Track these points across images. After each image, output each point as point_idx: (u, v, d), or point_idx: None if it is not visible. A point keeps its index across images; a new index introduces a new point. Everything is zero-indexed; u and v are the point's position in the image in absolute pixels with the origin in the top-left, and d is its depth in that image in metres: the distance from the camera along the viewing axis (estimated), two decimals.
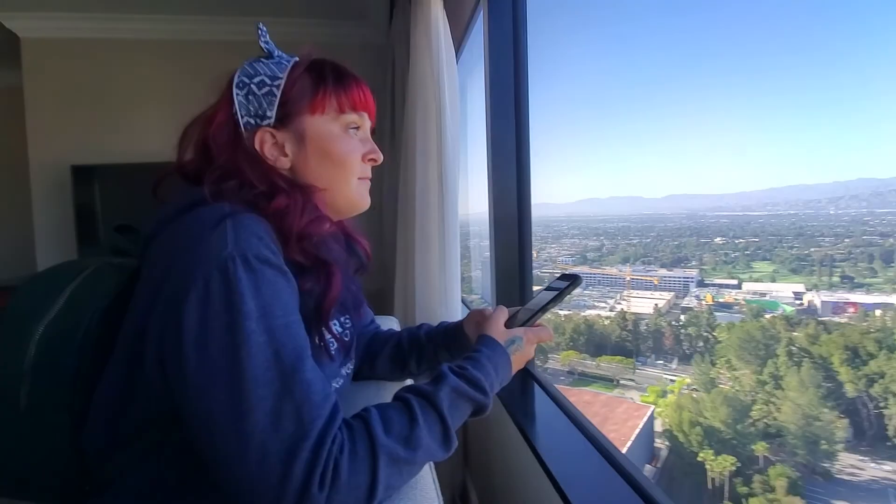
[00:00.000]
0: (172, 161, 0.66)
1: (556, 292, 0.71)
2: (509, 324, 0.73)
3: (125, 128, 2.89)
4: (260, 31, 0.67)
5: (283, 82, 0.64)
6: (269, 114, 0.63)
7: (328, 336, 0.63)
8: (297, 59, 0.67)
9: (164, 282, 0.51)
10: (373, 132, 0.73)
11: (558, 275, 0.74)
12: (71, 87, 2.84)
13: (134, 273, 0.63)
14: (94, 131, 2.86)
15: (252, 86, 0.63)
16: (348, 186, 0.68)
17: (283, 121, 0.64)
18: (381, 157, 0.71)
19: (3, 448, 0.57)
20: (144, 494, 0.55)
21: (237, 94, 0.63)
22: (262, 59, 0.66)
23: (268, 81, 0.64)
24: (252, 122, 0.63)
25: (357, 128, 0.69)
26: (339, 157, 0.66)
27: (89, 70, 2.86)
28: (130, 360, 0.54)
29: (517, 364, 0.69)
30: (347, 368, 0.73)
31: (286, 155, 0.64)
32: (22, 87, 2.81)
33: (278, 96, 0.63)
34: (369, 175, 0.71)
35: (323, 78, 0.66)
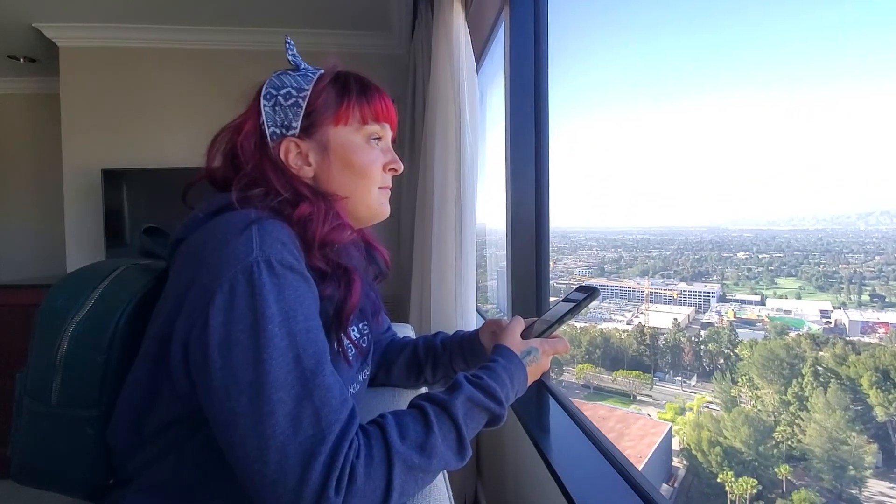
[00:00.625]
0: (197, 167, 0.68)
1: (573, 304, 0.71)
2: (525, 335, 0.73)
3: (154, 134, 2.98)
4: (288, 45, 0.69)
5: (308, 94, 0.66)
6: (294, 124, 0.65)
7: (346, 342, 0.64)
8: (321, 71, 0.69)
9: (190, 284, 0.52)
10: (393, 142, 0.74)
11: (575, 286, 0.74)
12: (104, 95, 2.94)
13: (161, 274, 0.65)
14: (124, 137, 2.96)
15: (279, 97, 0.66)
16: (369, 195, 0.69)
17: (307, 131, 0.66)
18: (401, 167, 0.73)
19: (35, 440, 0.60)
20: (164, 491, 0.57)
21: (264, 106, 0.66)
22: (289, 72, 0.68)
23: (294, 93, 0.66)
24: (278, 132, 0.65)
25: (379, 138, 0.71)
26: (361, 167, 0.68)
27: (122, 78, 2.96)
28: (156, 360, 0.55)
29: (533, 375, 0.69)
30: (364, 374, 0.73)
31: (310, 164, 0.66)
32: (58, 94, 2.92)
33: (303, 107, 0.65)
34: (390, 184, 0.73)
35: (347, 90, 0.68)
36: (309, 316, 0.52)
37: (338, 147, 0.67)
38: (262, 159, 0.64)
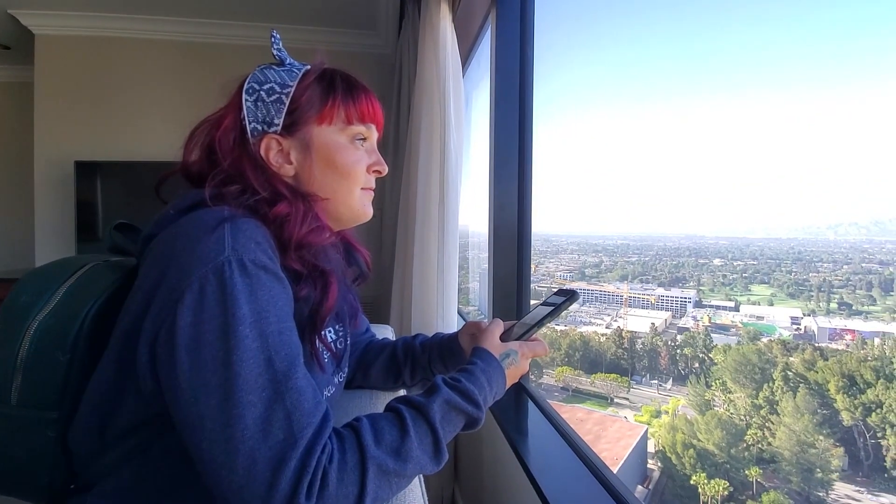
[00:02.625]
0: (175, 161, 0.66)
1: (553, 307, 0.71)
2: (504, 337, 0.73)
3: (130, 126, 2.90)
4: (273, 39, 0.67)
5: (292, 90, 0.64)
6: (276, 121, 0.63)
7: (320, 345, 0.62)
8: (307, 67, 0.67)
9: (159, 283, 0.51)
10: (378, 143, 0.73)
11: (555, 290, 0.74)
12: (80, 84, 2.86)
13: (131, 272, 0.63)
14: (99, 128, 2.88)
15: (262, 92, 0.64)
16: (351, 196, 0.68)
17: (290, 129, 0.64)
18: (385, 169, 0.71)
19: None
20: (127, 497, 0.55)
21: (246, 100, 0.64)
22: (274, 67, 0.66)
23: (277, 89, 0.64)
24: (259, 128, 0.64)
25: (364, 139, 0.69)
26: (344, 168, 0.66)
27: (98, 68, 2.88)
28: (122, 361, 0.53)
29: (511, 378, 0.69)
30: (339, 377, 0.72)
31: (291, 163, 0.65)
32: (32, 83, 2.83)
33: (287, 104, 0.64)
34: (373, 186, 0.71)
35: (333, 88, 0.66)
36: (282, 318, 0.51)
37: (321, 146, 0.65)
38: (241, 156, 0.62)
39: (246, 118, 0.63)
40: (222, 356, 0.46)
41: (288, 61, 0.67)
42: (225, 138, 0.63)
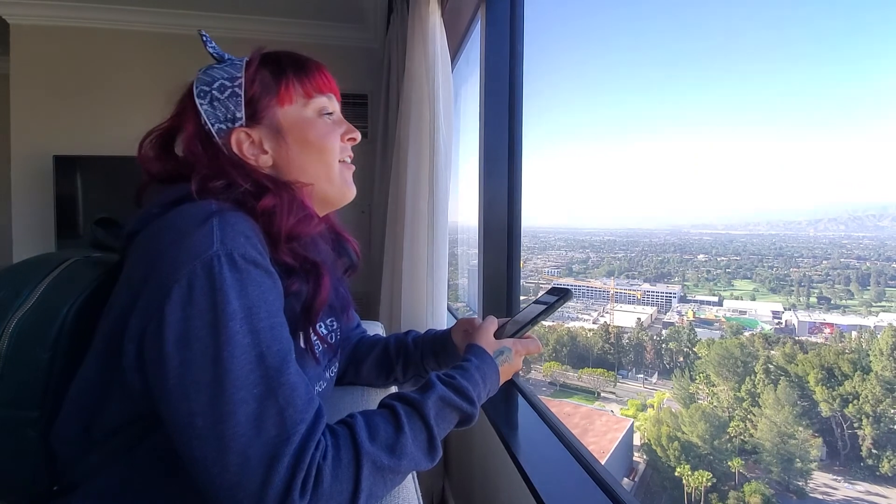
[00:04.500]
0: None
1: (546, 305, 0.72)
2: (498, 334, 0.73)
3: (110, 119, 2.83)
4: (204, 38, 0.66)
5: (242, 81, 0.63)
6: (238, 115, 0.62)
7: (314, 338, 0.62)
8: (247, 58, 0.66)
9: (146, 279, 0.49)
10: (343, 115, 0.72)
11: (548, 287, 0.75)
12: (57, 76, 2.78)
13: (114, 268, 0.61)
14: (78, 122, 2.80)
15: (213, 92, 0.63)
16: (332, 170, 0.67)
17: (254, 118, 0.63)
18: (359, 136, 0.71)
19: None
20: (114, 496, 0.54)
21: (201, 104, 0.62)
22: (214, 66, 0.65)
23: (228, 84, 0.63)
24: (224, 126, 0.62)
25: (330, 113, 0.68)
26: (319, 141, 0.65)
27: (77, 59, 2.80)
28: (108, 359, 0.52)
29: (505, 375, 0.69)
30: (332, 371, 0.72)
31: (266, 152, 0.64)
32: (7, 74, 2.74)
33: (242, 96, 0.63)
34: (351, 155, 0.71)
35: (282, 68, 0.65)
36: (273, 313, 0.50)
37: (291, 126, 0.64)
38: (217, 158, 0.61)
39: (207, 122, 0.62)
40: (212, 352, 0.45)
41: (227, 56, 0.66)
42: (192, 145, 0.62)
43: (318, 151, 0.66)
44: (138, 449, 0.53)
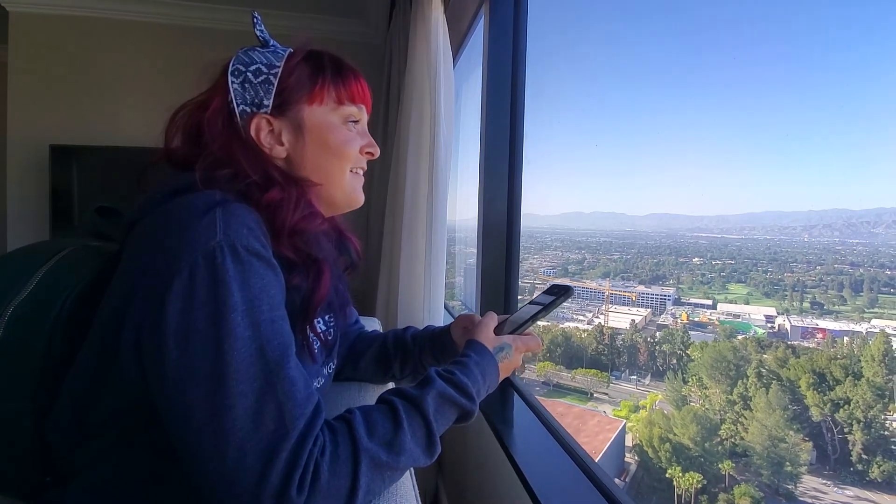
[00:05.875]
0: (155, 147, 0.64)
1: (546, 303, 0.71)
2: (497, 331, 0.73)
3: (108, 110, 2.80)
4: (255, 20, 0.66)
5: (279, 71, 0.63)
6: (266, 102, 0.62)
7: (311, 335, 0.61)
8: (291, 49, 0.66)
9: (146, 269, 0.49)
10: (368, 126, 0.73)
11: (547, 286, 0.75)
12: (56, 65, 2.75)
13: (113, 258, 0.61)
14: (75, 111, 2.77)
15: (248, 74, 0.62)
16: (343, 178, 0.67)
17: (280, 109, 0.63)
18: (378, 152, 0.71)
19: None
20: (109, 489, 0.53)
21: (232, 82, 0.62)
22: (258, 48, 0.65)
23: (264, 70, 0.63)
24: (248, 109, 0.62)
25: (356, 121, 0.68)
26: (337, 148, 0.65)
27: (76, 48, 2.77)
28: (105, 349, 0.51)
29: (504, 372, 0.69)
30: (329, 368, 0.72)
31: (282, 144, 0.63)
32: (5, 63, 2.70)
33: (275, 84, 0.62)
34: (364, 167, 0.71)
35: (322, 68, 0.65)
36: (274, 306, 0.50)
37: (313, 127, 0.64)
38: (231, 139, 0.60)
39: (234, 100, 0.62)
40: (213, 345, 0.45)
41: (272, 43, 0.66)
42: (213, 121, 0.61)
43: (334, 156, 0.66)
44: (136, 441, 0.52)
